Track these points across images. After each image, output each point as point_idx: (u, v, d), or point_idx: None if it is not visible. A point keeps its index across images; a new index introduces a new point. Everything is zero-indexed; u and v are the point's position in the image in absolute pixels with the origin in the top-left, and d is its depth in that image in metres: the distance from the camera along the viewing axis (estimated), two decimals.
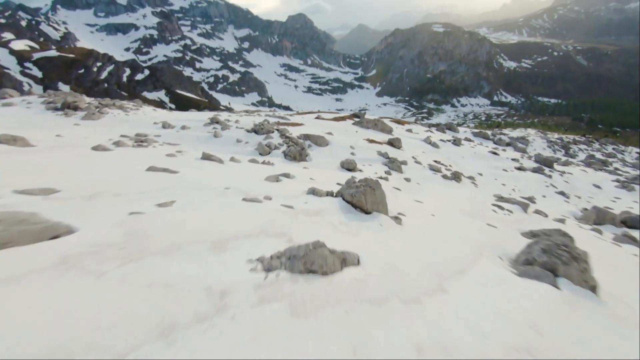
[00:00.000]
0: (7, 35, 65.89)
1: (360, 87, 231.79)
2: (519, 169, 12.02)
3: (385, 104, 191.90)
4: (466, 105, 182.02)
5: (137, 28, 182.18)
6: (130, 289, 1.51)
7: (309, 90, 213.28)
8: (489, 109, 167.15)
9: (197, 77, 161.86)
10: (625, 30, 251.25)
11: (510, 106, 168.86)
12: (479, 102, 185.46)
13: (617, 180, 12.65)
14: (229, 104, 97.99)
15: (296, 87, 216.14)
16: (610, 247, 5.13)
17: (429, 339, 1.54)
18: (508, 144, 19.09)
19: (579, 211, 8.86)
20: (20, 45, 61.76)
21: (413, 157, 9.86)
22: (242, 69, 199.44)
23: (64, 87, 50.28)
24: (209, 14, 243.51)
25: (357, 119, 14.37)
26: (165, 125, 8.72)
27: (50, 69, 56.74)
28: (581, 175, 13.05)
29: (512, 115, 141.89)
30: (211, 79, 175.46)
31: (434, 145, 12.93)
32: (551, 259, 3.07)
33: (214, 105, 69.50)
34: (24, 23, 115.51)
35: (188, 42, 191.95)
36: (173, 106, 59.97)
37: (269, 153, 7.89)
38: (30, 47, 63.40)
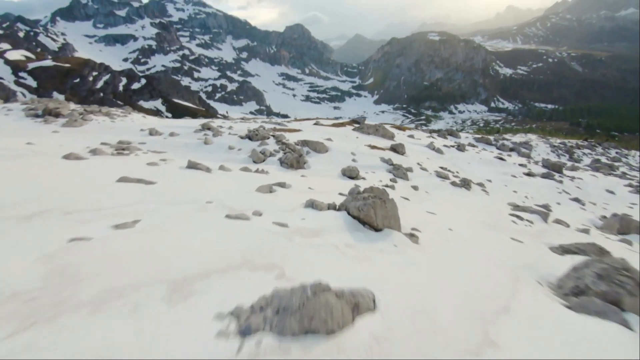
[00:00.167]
0: (4, 46, 65.68)
1: (358, 95, 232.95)
2: (528, 174, 11.45)
3: (383, 112, 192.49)
4: (464, 112, 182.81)
5: (135, 39, 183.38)
6: None
7: (307, 98, 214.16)
8: (487, 115, 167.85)
9: (195, 86, 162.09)
10: (617, 37, 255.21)
11: (508, 112, 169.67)
12: (476, 108, 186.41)
13: (630, 185, 12.10)
14: (227, 112, 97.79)
15: (294, 95, 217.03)
16: None
17: None
18: (511, 149, 18.60)
19: (598, 219, 8.27)
20: (16, 55, 61.44)
21: (418, 164, 9.28)
22: (241, 78, 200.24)
23: (59, 97, 49.83)
24: (207, 25, 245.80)
25: (357, 125, 13.84)
26: (152, 133, 8.12)
27: (45, 78, 56.24)
28: (592, 180, 12.49)
29: (510, 121, 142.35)
30: (209, 89, 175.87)
31: (438, 151, 12.37)
32: (612, 288, 2.44)
33: (211, 114, 69.12)
34: (21, 34, 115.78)
35: (186, 52, 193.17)
36: (169, 115, 59.54)
37: (264, 160, 7.29)
38: (26, 57, 63.09)
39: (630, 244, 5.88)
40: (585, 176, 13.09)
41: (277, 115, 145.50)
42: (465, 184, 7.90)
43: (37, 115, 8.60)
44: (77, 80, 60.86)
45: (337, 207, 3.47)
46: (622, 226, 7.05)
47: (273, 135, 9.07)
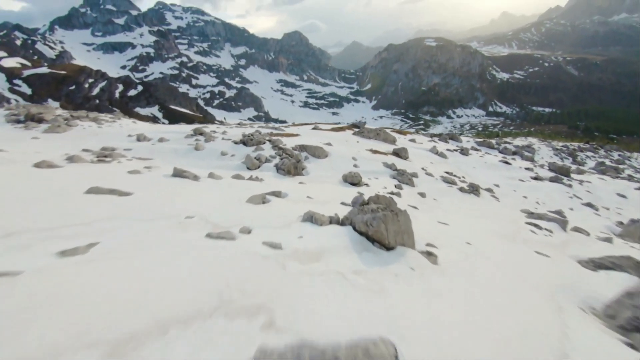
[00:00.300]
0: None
1: (356, 100, 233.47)
2: (536, 178, 11.01)
3: (381, 117, 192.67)
4: (462, 116, 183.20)
5: (133, 46, 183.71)
6: None
7: (306, 104, 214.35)
8: (485, 120, 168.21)
9: (193, 93, 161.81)
10: (611, 42, 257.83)
11: (506, 116, 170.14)
12: (474, 112, 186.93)
13: None
14: (225, 118, 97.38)
15: (293, 102, 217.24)
16: None
17: None
18: (514, 153, 18.18)
19: (614, 225, 7.80)
20: (11, 62, 60.94)
21: (423, 169, 8.81)
22: (239, 85, 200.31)
23: (54, 104, 49.30)
24: (205, 33, 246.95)
25: (357, 129, 13.41)
26: (140, 138, 7.63)
27: (39, 85, 55.59)
28: (601, 184, 12.05)
29: (509, 124, 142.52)
30: (207, 95, 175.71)
31: (442, 155, 11.93)
32: None
33: (209, 120, 68.71)
34: (18, 42, 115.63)
35: (184, 59, 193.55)
36: (166, 121, 59.03)
37: (259, 167, 6.80)
38: (21, 64, 62.59)
39: None
40: (594, 179, 12.65)
41: (276, 121, 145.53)
42: (474, 189, 7.43)
43: (18, 121, 8.11)
44: (73, 87, 60.32)
45: (341, 220, 2.98)
46: None
47: (269, 140, 8.60)
